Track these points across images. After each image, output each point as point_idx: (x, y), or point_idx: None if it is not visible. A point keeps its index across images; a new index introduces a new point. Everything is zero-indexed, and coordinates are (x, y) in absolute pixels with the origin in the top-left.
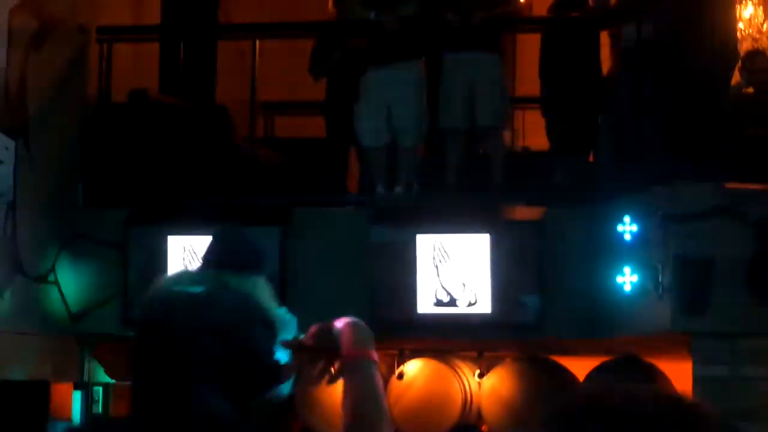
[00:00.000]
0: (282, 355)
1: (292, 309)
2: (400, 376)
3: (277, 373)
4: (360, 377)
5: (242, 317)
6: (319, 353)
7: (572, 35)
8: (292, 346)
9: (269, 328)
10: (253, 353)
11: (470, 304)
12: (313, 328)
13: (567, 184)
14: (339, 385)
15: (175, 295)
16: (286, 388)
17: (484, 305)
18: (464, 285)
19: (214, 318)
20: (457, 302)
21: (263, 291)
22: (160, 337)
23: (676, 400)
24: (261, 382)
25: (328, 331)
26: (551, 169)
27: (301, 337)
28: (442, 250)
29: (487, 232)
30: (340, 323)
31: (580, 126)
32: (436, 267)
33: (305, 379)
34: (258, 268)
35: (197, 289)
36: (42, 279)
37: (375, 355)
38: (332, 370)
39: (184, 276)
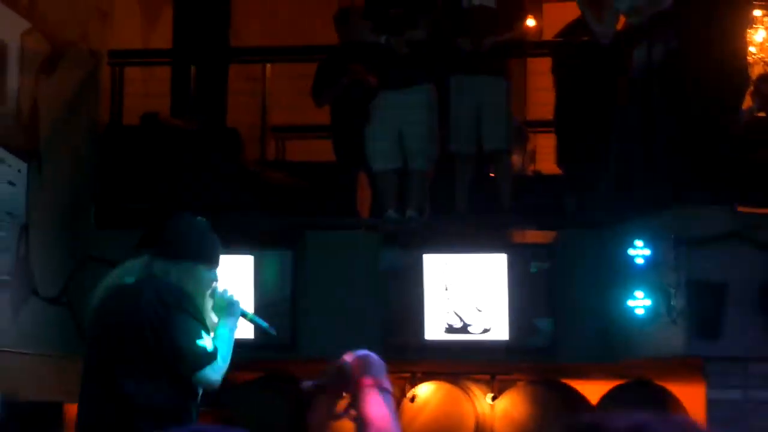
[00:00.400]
0: (206, 342)
1: (304, 330)
2: (413, 399)
3: (200, 357)
4: (373, 405)
5: (162, 305)
6: (334, 390)
7: (584, 58)
8: (309, 388)
9: (190, 313)
10: (172, 339)
11: (485, 331)
12: (326, 368)
13: (578, 207)
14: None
15: (109, 288)
16: (212, 373)
17: (498, 330)
18: (478, 309)
19: (135, 307)
20: (470, 328)
21: (194, 278)
22: (96, 326)
23: (679, 426)
24: (183, 365)
25: (340, 367)
26: (562, 192)
27: (273, 330)
28: (454, 274)
29: (504, 252)
30: (349, 357)
31: (590, 148)
32: (447, 290)
33: (326, 416)
34: (196, 256)
35: (129, 280)
36: (55, 300)
37: (387, 383)
38: (346, 406)
39: (126, 267)
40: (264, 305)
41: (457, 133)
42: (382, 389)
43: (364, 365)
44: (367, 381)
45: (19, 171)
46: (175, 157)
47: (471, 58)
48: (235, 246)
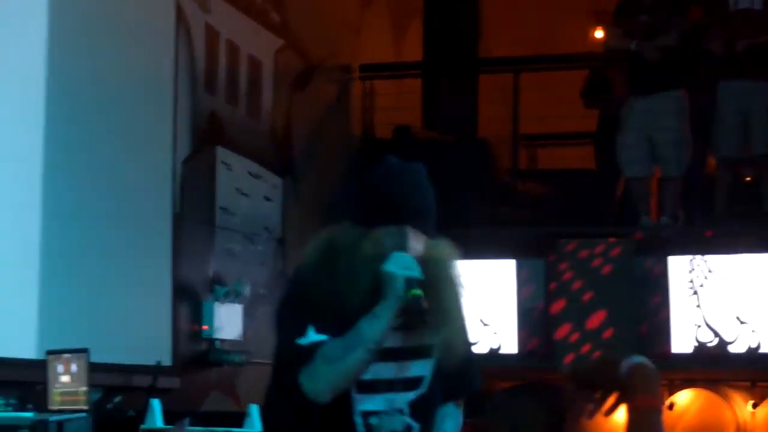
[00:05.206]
0: (312, 338)
1: (558, 339)
2: (671, 406)
3: (292, 356)
4: (646, 428)
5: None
6: (595, 387)
7: None
8: (568, 375)
9: (290, 302)
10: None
11: (750, 349)
12: (591, 361)
13: None
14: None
15: None
16: (306, 378)
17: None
18: (739, 320)
19: None
20: (730, 340)
21: (331, 247)
22: None
23: None
24: (278, 367)
25: (612, 368)
26: None
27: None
28: (712, 281)
29: None
30: (629, 363)
31: None
32: (697, 295)
33: (577, 410)
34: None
35: None
36: None
37: (662, 403)
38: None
39: None
40: (520, 314)
41: (723, 138)
42: (656, 410)
43: (644, 381)
44: (644, 401)
45: (274, 186)
46: (428, 169)
47: (731, 62)
48: (493, 253)
